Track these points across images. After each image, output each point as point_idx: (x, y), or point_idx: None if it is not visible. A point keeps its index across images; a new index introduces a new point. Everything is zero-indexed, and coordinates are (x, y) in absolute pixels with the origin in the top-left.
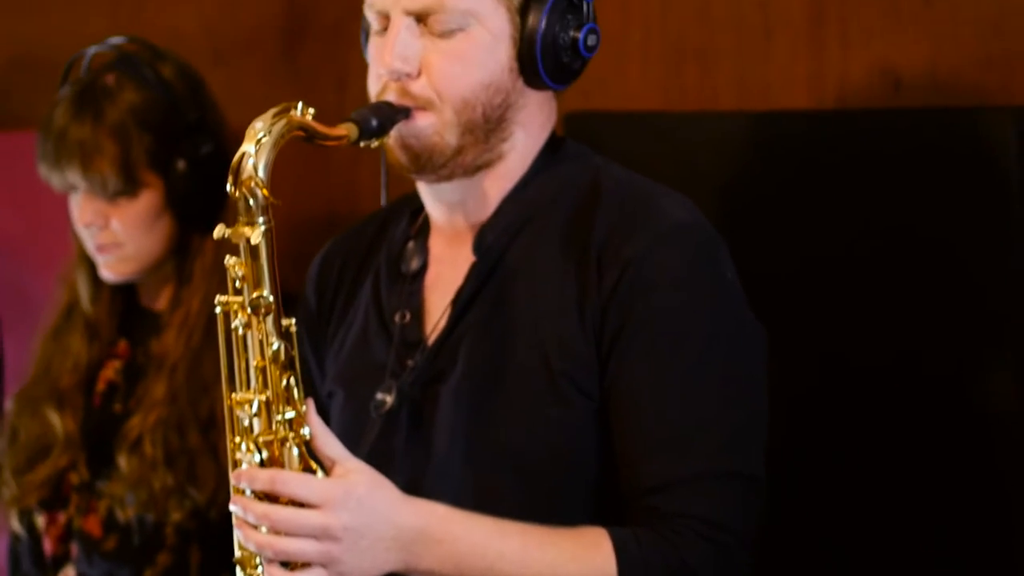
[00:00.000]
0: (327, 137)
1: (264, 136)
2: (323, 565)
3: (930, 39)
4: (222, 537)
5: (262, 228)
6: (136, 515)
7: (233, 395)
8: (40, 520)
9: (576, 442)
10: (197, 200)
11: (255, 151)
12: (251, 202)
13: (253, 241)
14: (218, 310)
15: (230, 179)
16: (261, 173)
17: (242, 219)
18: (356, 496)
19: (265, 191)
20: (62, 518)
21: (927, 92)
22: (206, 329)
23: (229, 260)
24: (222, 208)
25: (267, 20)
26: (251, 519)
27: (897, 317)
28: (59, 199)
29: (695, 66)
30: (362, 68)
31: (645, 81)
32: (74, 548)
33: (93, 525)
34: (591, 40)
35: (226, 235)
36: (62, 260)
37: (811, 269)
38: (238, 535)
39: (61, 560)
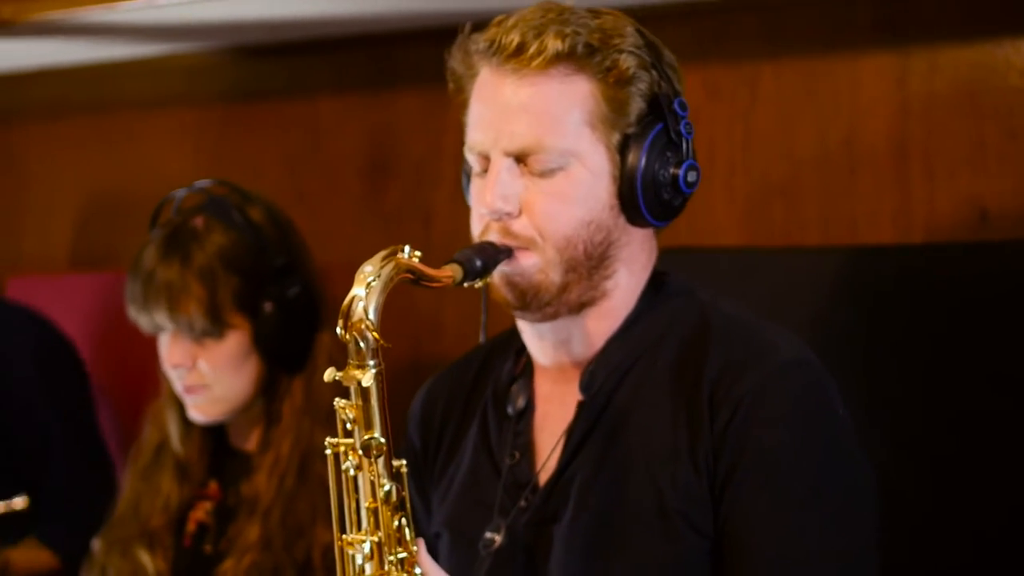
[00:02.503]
0: (433, 279)
1: (374, 279)
2: None
3: (1015, 171)
4: None
5: (373, 371)
6: None
7: (344, 536)
8: None
9: None
10: (285, 342)
11: (365, 294)
12: (361, 345)
13: (364, 384)
14: (328, 452)
15: (340, 322)
16: (372, 316)
17: (352, 362)
18: None
19: (376, 334)
20: None
21: (1014, 223)
22: (299, 471)
23: (339, 402)
24: (310, 349)
25: (350, 159)
26: None
27: (987, 449)
28: (142, 338)
29: (781, 202)
30: (446, 206)
31: (731, 217)
32: None
33: None
34: (691, 176)
35: (337, 377)
36: (142, 399)
37: (898, 405)
38: None
39: None
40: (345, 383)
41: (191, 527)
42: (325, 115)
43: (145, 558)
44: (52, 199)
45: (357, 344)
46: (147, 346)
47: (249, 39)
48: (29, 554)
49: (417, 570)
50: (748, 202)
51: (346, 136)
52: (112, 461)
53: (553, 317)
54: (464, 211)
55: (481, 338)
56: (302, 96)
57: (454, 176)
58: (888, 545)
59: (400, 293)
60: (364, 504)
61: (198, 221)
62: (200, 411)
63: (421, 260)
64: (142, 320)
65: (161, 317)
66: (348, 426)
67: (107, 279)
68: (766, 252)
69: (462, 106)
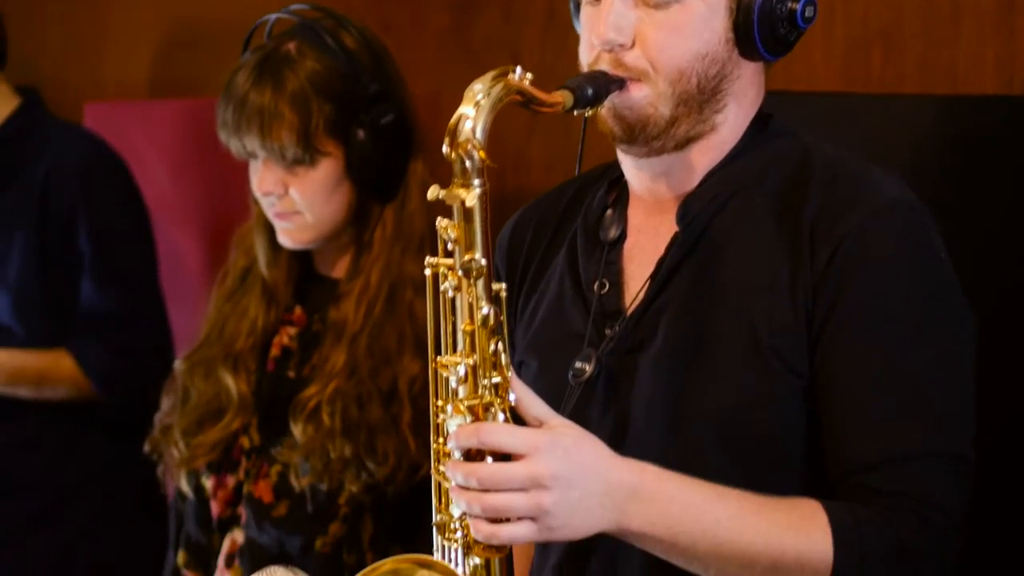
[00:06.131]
0: (543, 103)
1: (483, 98)
2: (533, 518)
3: None
4: (397, 512)
5: (477, 191)
6: (310, 484)
7: (438, 358)
8: (208, 483)
9: (781, 417)
10: (377, 169)
11: (473, 113)
12: (467, 164)
13: (468, 203)
14: (427, 272)
15: (446, 140)
16: (479, 135)
17: (457, 181)
18: (562, 445)
19: (482, 153)
20: (231, 482)
21: None
22: (387, 299)
23: (441, 222)
24: (403, 177)
25: None
26: (459, 479)
27: None
28: (221, 165)
29: (880, 49)
30: (535, 42)
31: (828, 63)
32: (243, 512)
33: (264, 490)
34: (808, 11)
35: (440, 196)
36: (222, 225)
37: (995, 257)
38: (452, 496)
39: (227, 523)
40: (448, 202)
41: (275, 352)
42: None
43: (228, 380)
44: (133, 24)
45: (462, 163)
46: (227, 173)
47: None
48: (45, 357)
49: (511, 396)
50: (846, 47)
51: None
52: (159, 290)
53: (659, 152)
54: (552, 49)
55: (576, 170)
56: None
57: (543, 12)
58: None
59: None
60: (461, 326)
61: (291, 46)
62: (290, 237)
63: (532, 83)
64: (233, 145)
65: (253, 143)
66: (449, 246)
67: (187, 106)
68: (863, 99)
69: None
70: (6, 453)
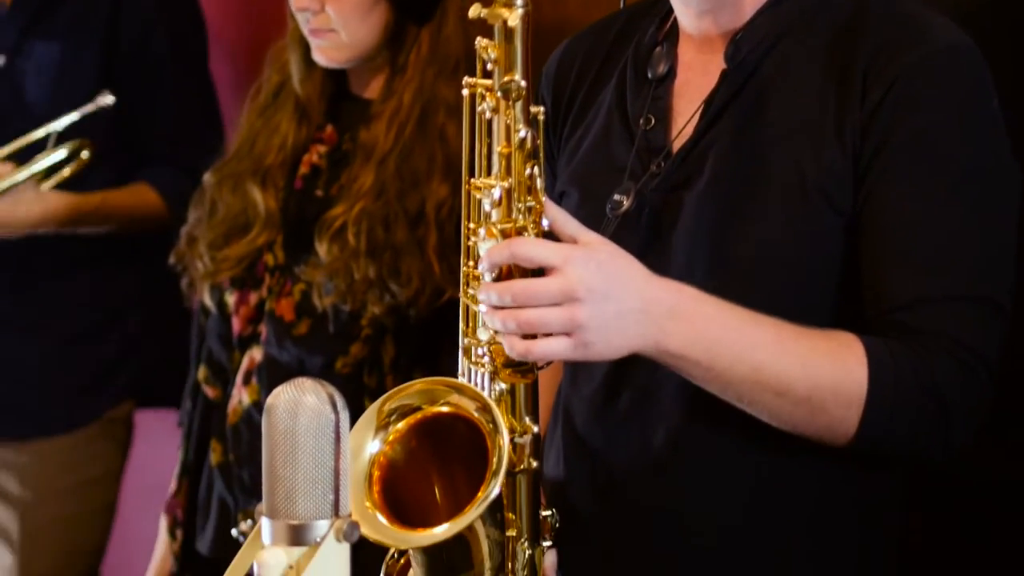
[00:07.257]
0: None
1: None
2: (567, 333)
3: None
4: (419, 335)
5: (520, 11)
6: (332, 304)
7: (473, 180)
8: (231, 299)
9: (822, 257)
10: None
11: None
12: None
13: (510, 23)
14: (465, 92)
15: None
16: None
17: (499, 0)
18: (597, 259)
19: None
20: (253, 299)
21: None
22: (419, 122)
23: (481, 42)
24: (440, 0)
25: None
26: (493, 299)
27: None
28: None
29: None
30: None
31: None
32: (264, 330)
33: (286, 308)
34: None
35: (482, 15)
36: (262, 50)
37: None
38: (485, 317)
39: (248, 341)
40: (490, 21)
41: (304, 169)
42: None
43: (257, 194)
44: None
45: None
46: None
47: None
48: (134, 194)
49: (544, 222)
50: None
51: None
52: (221, 116)
53: None
54: None
55: (620, 3)
56: None
57: None
58: None
59: None
60: (497, 149)
61: None
62: (325, 54)
63: None
64: None
65: None
66: (488, 67)
67: None
68: None
69: None
70: (53, 280)
